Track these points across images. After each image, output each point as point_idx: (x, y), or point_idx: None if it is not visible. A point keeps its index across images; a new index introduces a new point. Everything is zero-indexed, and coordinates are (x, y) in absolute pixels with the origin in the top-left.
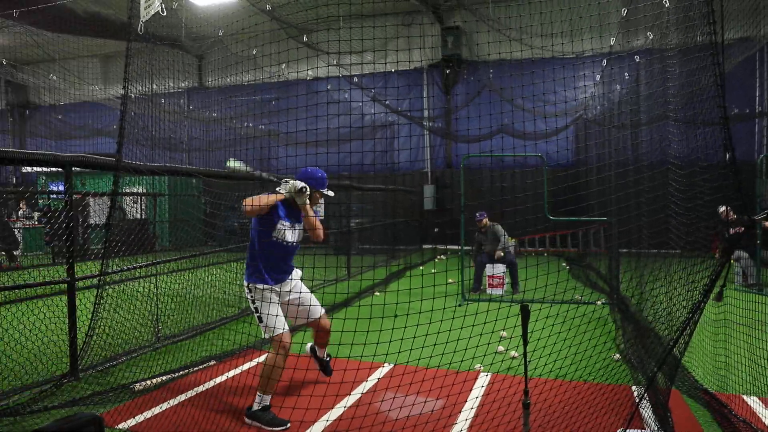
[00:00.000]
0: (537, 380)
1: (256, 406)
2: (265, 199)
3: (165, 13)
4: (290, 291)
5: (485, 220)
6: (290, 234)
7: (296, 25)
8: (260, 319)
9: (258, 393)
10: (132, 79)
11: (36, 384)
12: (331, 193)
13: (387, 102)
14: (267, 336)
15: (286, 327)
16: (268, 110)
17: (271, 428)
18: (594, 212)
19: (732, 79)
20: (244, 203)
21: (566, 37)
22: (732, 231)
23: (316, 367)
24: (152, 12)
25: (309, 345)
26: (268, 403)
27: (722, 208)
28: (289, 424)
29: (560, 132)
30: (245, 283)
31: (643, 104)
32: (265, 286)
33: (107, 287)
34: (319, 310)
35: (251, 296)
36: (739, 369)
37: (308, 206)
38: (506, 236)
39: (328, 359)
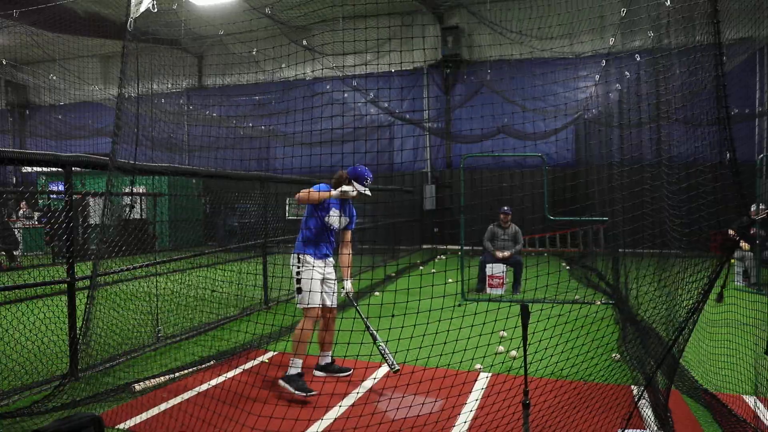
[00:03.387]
0: (537, 380)
1: (291, 371)
2: (316, 195)
3: (156, 9)
4: (325, 274)
5: (510, 216)
6: (337, 220)
7: (296, 26)
8: (299, 290)
9: (291, 359)
10: (131, 79)
11: (36, 384)
12: (368, 192)
13: (387, 103)
14: (300, 306)
15: (318, 304)
16: (269, 111)
17: (298, 392)
18: (594, 211)
19: (732, 79)
20: (297, 196)
21: (566, 37)
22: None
23: (335, 377)
24: (142, 8)
25: (317, 365)
26: (300, 370)
27: (753, 207)
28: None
29: (560, 131)
30: (295, 253)
31: (644, 104)
32: (314, 260)
33: (106, 287)
34: (335, 300)
35: (298, 266)
36: (739, 369)
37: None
38: (523, 242)
39: (331, 362)
